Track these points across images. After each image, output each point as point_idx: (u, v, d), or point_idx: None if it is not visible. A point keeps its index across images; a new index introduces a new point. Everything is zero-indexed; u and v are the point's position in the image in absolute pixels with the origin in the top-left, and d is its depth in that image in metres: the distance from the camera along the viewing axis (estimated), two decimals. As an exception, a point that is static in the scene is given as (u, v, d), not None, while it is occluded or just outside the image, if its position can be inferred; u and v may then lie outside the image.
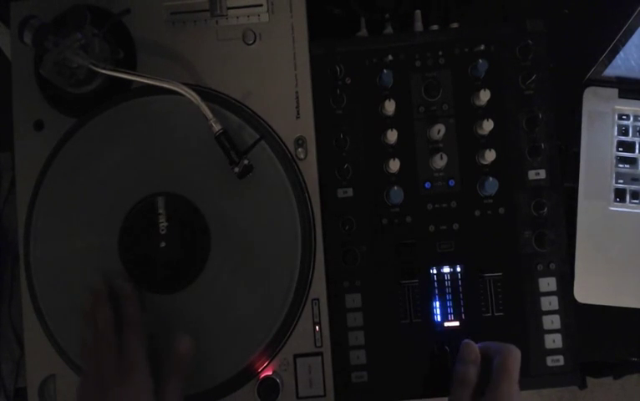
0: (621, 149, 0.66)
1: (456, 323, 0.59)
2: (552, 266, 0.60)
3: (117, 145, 0.59)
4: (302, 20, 0.61)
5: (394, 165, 0.59)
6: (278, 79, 0.60)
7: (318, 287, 0.58)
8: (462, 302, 0.59)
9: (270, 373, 0.57)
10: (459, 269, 0.60)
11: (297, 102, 0.60)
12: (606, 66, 0.64)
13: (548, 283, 0.59)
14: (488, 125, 0.59)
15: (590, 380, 0.67)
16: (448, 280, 0.60)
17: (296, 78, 0.60)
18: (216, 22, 0.61)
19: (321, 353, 0.58)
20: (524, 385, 0.58)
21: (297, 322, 0.58)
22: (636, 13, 0.57)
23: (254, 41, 0.60)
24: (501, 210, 0.60)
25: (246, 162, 0.55)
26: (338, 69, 0.61)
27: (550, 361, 0.59)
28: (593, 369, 0.69)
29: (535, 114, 0.60)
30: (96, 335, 0.52)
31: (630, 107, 0.66)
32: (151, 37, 0.61)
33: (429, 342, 0.59)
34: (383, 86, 0.61)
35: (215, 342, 0.56)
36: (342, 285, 0.60)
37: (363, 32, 0.64)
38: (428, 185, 0.61)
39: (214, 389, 0.56)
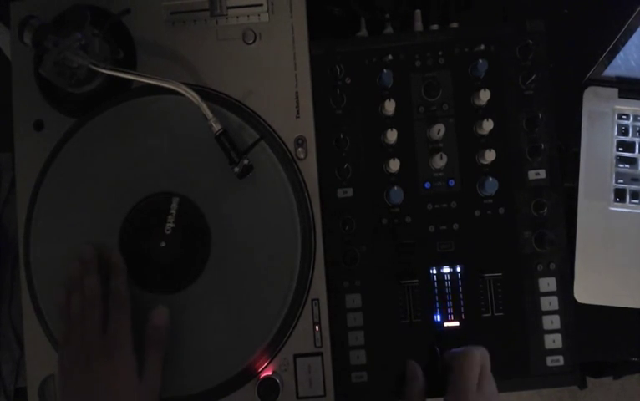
0: (621, 149, 0.66)
1: (456, 323, 0.59)
2: (552, 266, 0.60)
3: (117, 145, 0.59)
4: (302, 20, 0.61)
5: (394, 165, 0.59)
6: (278, 79, 0.60)
7: (318, 287, 0.58)
8: (462, 302, 0.59)
9: (270, 373, 0.57)
10: (459, 269, 0.60)
11: (297, 102, 0.60)
12: (606, 66, 0.64)
13: (548, 283, 0.59)
14: (488, 125, 0.59)
15: (590, 380, 0.67)
16: (448, 280, 0.60)
17: (296, 78, 0.60)
18: (216, 21, 0.61)
19: (321, 353, 0.58)
20: (524, 385, 0.59)
21: (297, 322, 0.58)
22: (636, 13, 0.57)
23: (254, 41, 0.60)
24: (501, 210, 0.60)
25: (246, 162, 0.55)
26: (338, 69, 0.61)
27: (550, 361, 0.59)
28: (593, 369, 0.69)
29: (535, 114, 0.60)
30: (83, 303, 0.52)
31: (630, 107, 0.66)
32: (151, 37, 0.61)
33: (429, 343, 0.59)
34: (383, 86, 0.61)
35: (216, 343, 0.56)
36: (342, 285, 0.60)
37: (363, 32, 0.64)
38: (428, 185, 0.61)
39: (214, 389, 0.56)
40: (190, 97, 0.53)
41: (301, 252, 0.57)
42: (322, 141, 0.61)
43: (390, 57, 0.62)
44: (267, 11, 0.61)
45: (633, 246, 0.64)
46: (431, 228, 0.60)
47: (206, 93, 0.57)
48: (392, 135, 0.59)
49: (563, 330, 0.59)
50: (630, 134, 0.66)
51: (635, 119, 0.66)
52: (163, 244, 0.57)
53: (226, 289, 0.57)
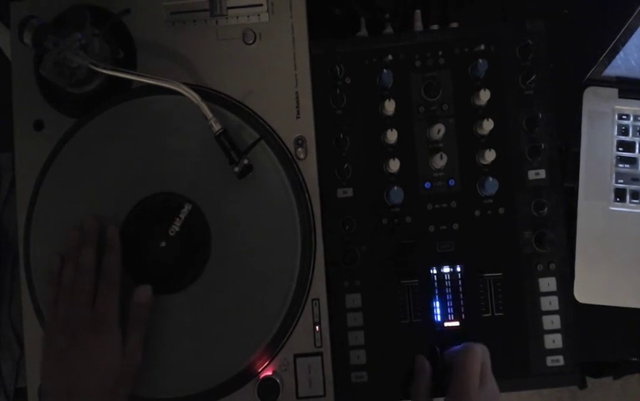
0: (621, 149, 0.66)
1: (456, 323, 0.59)
2: (552, 266, 0.60)
3: (117, 145, 0.59)
4: (302, 20, 0.61)
5: (394, 165, 0.59)
6: (278, 79, 0.60)
7: (318, 287, 0.58)
8: (462, 302, 0.59)
9: (270, 373, 0.57)
10: (459, 269, 0.60)
11: (297, 102, 0.60)
12: (606, 66, 0.64)
13: (548, 283, 0.59)
14: (488, 125, 0.59)
15: (590, 380, 0.67)
16: (448, 280, 0.60)
17: (296, 78, 0.60)
18: (216, 22, 0.61)
19: (321, 353, 0.58)
20: (524, 385, 0.59)
21: (297, 322, 0.58)
22: (636, 13, 0.57)
23: (254, 41, 0.60)
24: (501, 210, 0.60)
25: (245, 162, 0.55)
26: (338, 69, 0.61)
27: (550, 361, 0.59)
28: (593, 369, 0.69)
29: (535, 114, 0.60)
30: (75, 273, 0.53)
31: (630, 107, 0.66)
32: (151, 37, 0.61)
33: (429, 343, 0.59)
34: (383, 86, 0.61)
35: (216, 343, 0.56)
36: (342, 285, 0.60)
37: (363, 32, 0.64)
38: (428, 185, 0.61)
39: (214, 389, 0.56)
40: (190, 97, 0.53)
41: (301, 252, 0.57)
42: (322, 141, 0.61)
43: (390, 57, 0.62)
44: (267, 11, 0.61)
45: (633, 246, 0.64)
46: (431, 228, 0.60)
47: (206, 93, 0.57)
48: (392, 135, 0.59)
49: (563, 330, 0.59)
50: (630, 134, 0.66)
51: (635, 119, 0.66)
52: (163, 244, 0.57)
53: (225, 289, 0.57)
